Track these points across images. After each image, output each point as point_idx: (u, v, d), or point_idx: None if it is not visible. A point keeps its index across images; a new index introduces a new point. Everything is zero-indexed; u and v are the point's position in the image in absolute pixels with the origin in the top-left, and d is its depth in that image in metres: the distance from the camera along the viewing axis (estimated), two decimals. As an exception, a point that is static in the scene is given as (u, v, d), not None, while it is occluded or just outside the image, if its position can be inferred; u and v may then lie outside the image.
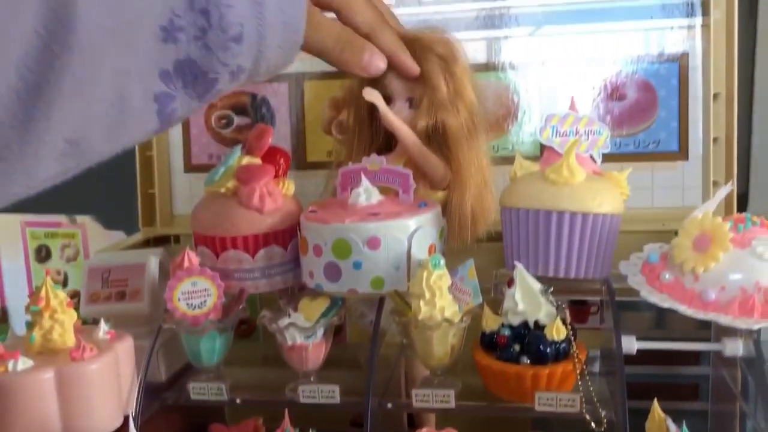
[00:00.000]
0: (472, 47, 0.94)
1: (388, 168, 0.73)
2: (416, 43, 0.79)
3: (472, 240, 0.79)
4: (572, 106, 0.72)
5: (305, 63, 0.99)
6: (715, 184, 0.89)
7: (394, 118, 0.76)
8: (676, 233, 0.86)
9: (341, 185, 0.76)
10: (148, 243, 0.98)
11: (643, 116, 0.92)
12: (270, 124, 1.01)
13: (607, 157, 0.91)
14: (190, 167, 1.03)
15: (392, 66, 0.53)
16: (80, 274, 1.00)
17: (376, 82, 0.80)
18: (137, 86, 0.36)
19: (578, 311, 0.90)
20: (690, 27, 0.90)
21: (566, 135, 0.70)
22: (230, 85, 0.39)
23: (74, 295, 0.99)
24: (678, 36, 0.90)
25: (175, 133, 1.03)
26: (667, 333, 0.90)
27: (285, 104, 1.01)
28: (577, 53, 0.93)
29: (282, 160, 0.75)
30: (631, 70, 0.92)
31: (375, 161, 0.74)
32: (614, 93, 0.92)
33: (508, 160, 0.93)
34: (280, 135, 1.01)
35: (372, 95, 0.75)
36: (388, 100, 0.80)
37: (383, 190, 0.73)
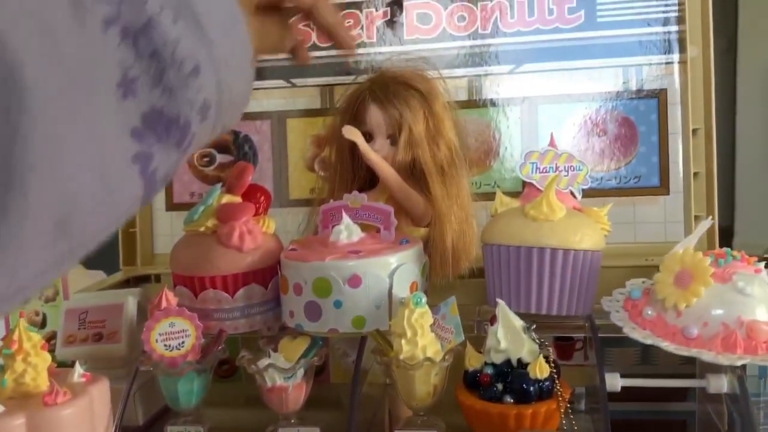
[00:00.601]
0: (453, 85, 0.95)
1: (369, 205, 0.73)
2: (396, 79, 0.80)
3: (454, 276, 0.79)
4: (551, 143, 0.72)
5: (288, 101, 1.00)
6: (697, 218, 0.89)
7: (374, 156, 0.76)
8: (659, 268, 0.87)
9: (322, 223, 0.75)
10: (128, 282, 0.96)
11: (624, 151, 0.92)
12: (252, 161, 1.01)
13: (589, 193, 0.92)
14: (171, 206, 1.03)
15: (332, 40, 0.52)
16: (59, 315, 0.99)
17: (357, 120, 0.81)
18: (113, 151, 0.34)
19: (563, 347, 0.89)
20: (668, 63, 0.91)
21: (546, 171, 0.70)
22: (202, 126, 0.38)
23: (52, 337, 0.98)
24: (656, 72, 0.92)
25: (157, 171, 1.03)
26: (653, 368, 0.89)
27: (267, 142, 1.01)
28: (558, 90, 0.93)
29: (262, 198, 0.75)
30: (611, 106, 0.92)
31: (356, 198, 0.73)
32: (595, 129, 0.93)
33: (491, 196, 0.93)
34: (262, 172, 1.00)
35: (351, 133, 0.75)
36: (369, 137, 0.80)
37: (364, 228, 0.73)
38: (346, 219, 0.71)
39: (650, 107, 0.92)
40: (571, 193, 0.70)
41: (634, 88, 0.92)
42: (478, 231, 0.78)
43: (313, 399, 0.71)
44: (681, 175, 0.91)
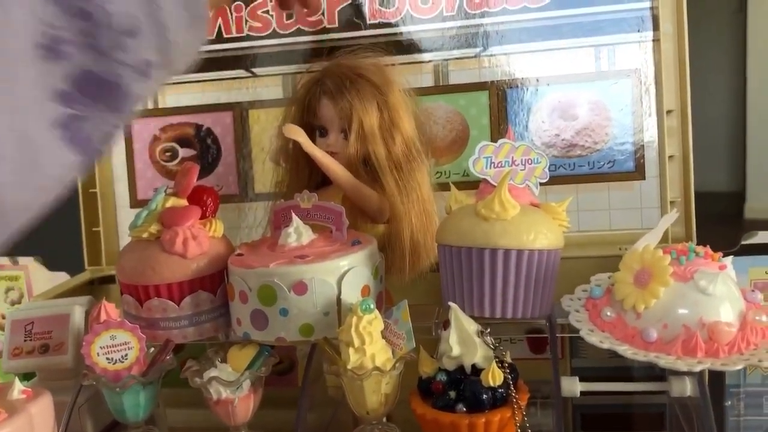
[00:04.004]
0: (418, 70, 0.92)
1: (321, 205, 0.69)
2: (350, 70, 0.76)
3: (413, 273, 0.76)
4: (508, 135, 0.69)
5: (250, 91, 0.96)
6: (672, 203, 0.85)
7: (320, 154, 0.73)
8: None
9: (274, 223, 0.72)
10: (92, 283, 0.94)
11: (597, 136, 0.89)
12: (215, 155, 0.98)
13: (560, 180, 0.89)
14: (136, 202, 1.00)
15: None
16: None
17: (310, 113, 0.78)
18: (30, 117, 0.32)
19: (536, 341, 0.86)
20: (641, 42, 0.87)
21: (501, 165, 0.66)
22: (144, 85, 0.35)
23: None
24: (629, 51, 0.87)
25: (120, 167, 1.00)
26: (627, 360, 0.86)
27: (230, 134, 0.97)
28: (526, 73, 0.89)
29: (209, 200, 0.72)
30: (582, 88, 0.88)
31: (307, 198, 0.70)
32: (566, 112, 0.89)
33: (461, 186, 0.90)
34: (226, 165, 0.98)
35: (292, 132, 0.72)
36: (324, 131, 0.77)
37: (318, 228, 0.70)
38: (295, 220, 0.68)
39: (623, 88, 0.88)
40: (529, 187, 0.67)
41: (606, 68, 0.88)
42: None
43: (278, 400, 0.69)
44: (657, 159, 0.87)
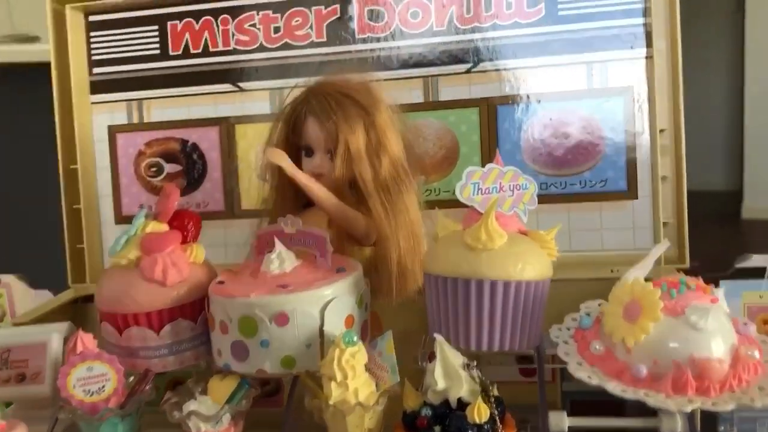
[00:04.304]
0: (408, 86, 0.90)
1: (305, 231, 0.68)
2: (336, 90, 0.74)
3: (400, 297, 0.74)
4: (496, 160, 0.67)
5: (236, 106, 0.95)
6: (665, 224, 0.84)
7: (303, 178, 0.72)
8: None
9: (257, 248, 0.71)
10: (76, 302, 0.92)
11: (589, 154, 0.87)
12: (201, 170, 0.96)
13: (551, 199, 0.87)
14: (120, 218, 0.98)
15: None
16: (7, 335, 0.95)
17: (296, 133, 0.76)
18: None
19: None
20: (634, 59, 0.85)
21: (489, 192, 0.65)
22: None
23: (2, 358, 0.94)
24: (622, 69, 0.86)
25: (104, 183, 0.98)
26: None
27: (216, 150, 0.96)
28: (517, 89, 0.88)
29: (190, 224, 0.70)
30: (574, 105, 0.87)
31: (291, 223, 0.69)
32: (557, 130, 0.87)
33: (451, 203, 0.89)
34: (212, 182, 0.96)
35: (275, 156, 0.70)
36: (310, 151, 0.76)
37: (302, 253, 0.68)
38: (278, 246, 0.67)
39: (616, 106, 0.86)
40: (518, 215, 0.65)
41: (598, 85, 0.86)
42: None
43: (266, 423, 0.67)
44: (650, 178, 0.85)
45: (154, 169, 0.97)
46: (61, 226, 0.96)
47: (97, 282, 0.70)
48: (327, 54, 0.92)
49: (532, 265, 0.60)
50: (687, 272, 0.81)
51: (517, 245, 0.61)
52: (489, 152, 0.89)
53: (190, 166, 0.96)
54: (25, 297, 0.95)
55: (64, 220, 0.96)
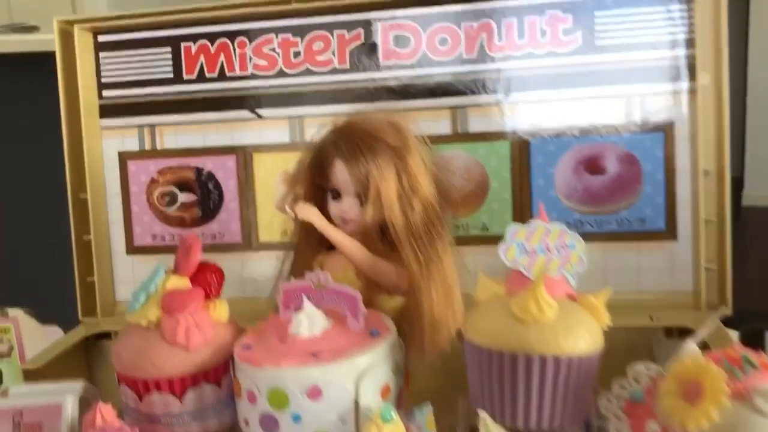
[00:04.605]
0: (435, 116, 0.86)
1: (335, 289, 0.64)
2: (365, 132, 0.70)
3: (433, 352, 0.70)
4: (541, 215, 0.63)
5: (254, 134, 0.90)
6: (707, 270, 0.80)
7: (333, 233, 0.68)
8: (666, 332, 0.78)
9: (283, 303, 0.67)
10: (87, 341, 0.89)
11: (626, 191, 0.83)
12: (217, 200, 0.92)
13: (587, 237, 0.82)
14: (132, 249, 0.94)
15: None
16: (16, 371, 0.92)
17: (323, 175, 0.72)
18: None
19: None
20: (676, 92, 0.81)
21: (535, 253, 0.60)
22: None
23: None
24: (663, 103, 0.81)
25: (115, 212, 0.94)
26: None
27: (233, 179, 0.91)
28: (551, 122, 0.83)
29: (213, 278, 0.66)
30: (612, 140, 0.82)
31: (321, 279, 0.64)
32: (594, 166, 0.83)
33: (479, 240, 0.85)
34: (229, 211, 0.92)
35: (306, 212, 0.66)
36: (337, 195, 0.71)
37: (331, 311, 0.64)
38: (307, 307, 0.63)
39: (656, 142, 0.82)
40: (565, 278, 0.61)
41: (637, 120, 0.82)
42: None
43: None
44: (690, 220, 0.81)
45: (167, 198, 0.93)
46: (71, 258, 0.92)
47: (114, 341, 0.66)
48: (349, 81, 0.87)
49: (584, 339, 0.57)
50: (729, 321, 0.77)
51: (569, 316, 0.57)
52: (521, 187, 0.85)
53: (206, 195, 0.92)
54: (34, 333, 0.91)
55: (73, 252, 0.92)
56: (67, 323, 0.92)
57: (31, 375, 0.79)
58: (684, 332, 0.78)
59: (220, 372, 0.64)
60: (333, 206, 0.72)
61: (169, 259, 0.92)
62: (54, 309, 0.90)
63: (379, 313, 0.68)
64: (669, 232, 0.82)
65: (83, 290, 0.93)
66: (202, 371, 0.62)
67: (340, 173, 0.70)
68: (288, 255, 0.77)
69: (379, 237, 0.71)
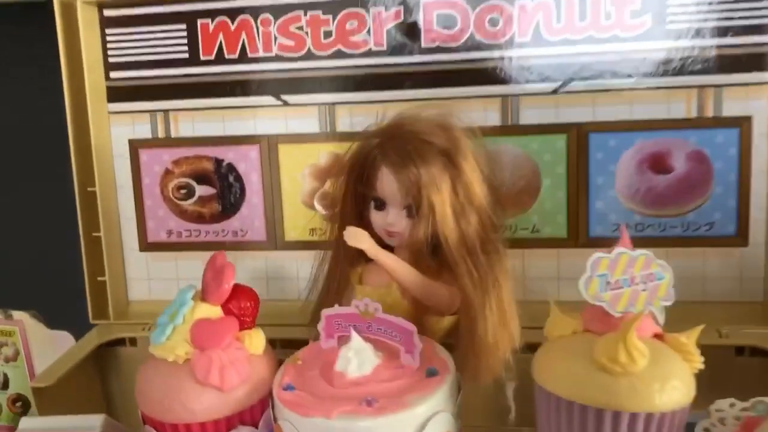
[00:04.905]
0: (481, 106, 0.77)
1: (386, 319, 0.56)
2: (414, 135, 0.62)
3: (487, 378, 0.63)
4: (623, 241, 0.55)
5: (279, 123, 0.81)
6: (783, 281, 0.73)
7: (385, 258, 0.61)
8: (737, 350, 0.72)
9: (326, 331, 0.59)
10: (100, 349, 0.82)
11: (695, 193, 0.75)
12: (239, 194, 0.84)
13: (648, 242, 0.76)
14: (146, 246, 0.87)
15: None
16: (23, 376, 0.85)
17: (366, 184, 0.64)
18: None
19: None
20: (755, 84, 0.72)
21: (619, 287, 0.53)
22: None
23: (17, 400, 0.85)
24: (740, 95, 0.73)
25: (127, 206, 0.86)
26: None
27: (256, 171, 0.83)
28: (614, 115, 0.75)
29: (249, 305, 0.59)
30: (680, 136, 0.74)
31: (369, 308, 0.57)
32: (659, 164, 0.75)
33: (528, 243, 0.78)
34: (251, 207, 0.84)
35: (356, 238, 0.58)
36: (381, 205, 0.64)
37: (379, 343, 0.57)
38: (356, 342, 0.56)
39: (730, 138, 0.74)
40: (653, 315, 0.54)
41: (710, 114, 0.73)
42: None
43: None
44: (765, 224, 0.74)
45: (183, 191, 0.85)
46: (80, 257, 0.84)
47: (138, 377, 0.58)
48: (386, 65, 0.78)
49: (678, 390, 0.50)
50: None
51: (661, 364, 0.50)
52: (577, 186, 0.77)
53: (226, 189, 0.84)
54: (41, 338, 0.83)
55: (82, 250, 0.84)
56: (77, 326, 0.85)
57: (41, 394, 0.72)
58: (756, 351, 0.71)
59: (257, 412, 0.57)
60: (377, 217, 0.64)
61: (186, 258, 0.86)
62: (62, 312, 0.82)
63: (432, 342, 0.61)
64: (740, 237, 0.75)
65: (93, 291, 0.85)
66: (237, 413, 0.56)
67: (387, 183, 0.62)
68: (323, 257, 0.70)
69: (430, 252, 0.63)
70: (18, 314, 0.84)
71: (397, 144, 0.61)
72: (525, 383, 0.60)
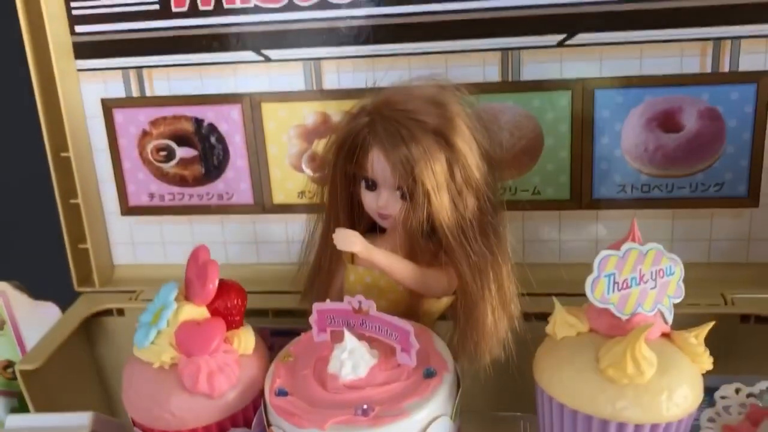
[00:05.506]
0: (480, 60, 0.71)
1: (381, 317, 0.54)
2: (407, 114, 0.57)
3: (485, 360, 0.61)
4: (632, 234, 0.51)
5: (262, 80, 0.76)
6: (793, 243, 0.70)
7: (379, 257, 0.57)
8: (742, 318, 0.70)
9: (318, 324, 0.57)
10: (87, 324, 0.79)
11: (705, 152, 0.71)
12: (222, 157, 0.79)
13: (654, 203, 0.73)
14: (127, 209, 0.83)
15: None
16: (11, 342, 0.84)
17: (356, 163, 0.59)
18: None
19: None
20: (774, 36, 0.67)
21: (627, 286, 0.50)
22: None
23: (8, 366, 0.84)
24: (757, 48, 0.67)
25: (104, 170, 0.81)
26: None
27: (239, 132, 0.78)
28: (622, 69, 0.70)
29: (237, 302, 0.56)
30: (692, 93, 0.69)
31: (363, 306, 0.54)
32: (669, 122, 0.71)
33: (529, 205, 0.74)
34: (236, 169, 0.79)
35: (346, 242, 0.55)
36: (373, 185, 0.59)
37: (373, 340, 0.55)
38: (349, 342, 0.53)
39: (746, 95, 0.69)
40: (661, 314, 0.51)
41: (725, 68, 0.68)
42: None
43: None
44: (778, 184, 0.70)
45: (163, 152, 0.80)
46: (59, 225, 0.80)
47: (125, 380, 0.56)
48: (374, 16, 0.72)
49: (685, 398, 0.48)
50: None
51: (669, 372, 0.48)
52: (581, 146, 0.72)
53: (208, 150, 0.79)
54: (26, 309, 0.81)
55: (61, 218, 0.80)
56: (62, 295, 0.82)
57: (29, 377, 0.70)
58: (761, 319, 0.69)
59: (249, 412, 0.55)
60: (368, 197, 0.60)
61: (172, 222, 0.82)
62: (46, 281, 0.79)
63: (428, 333, 0.58)
64: (751, 198, 0.71)
65: (76, 258, 0.82)
66: (229, 417, 0.54)
67: (378, 164, 0.58)
68: (319, 220, 0.66)
69: (426, 235, 0.60)
70: (0, 284, 0.82)
71: (388, 124, 0.56)
72: (525, 359, 0.58)
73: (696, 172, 0.72)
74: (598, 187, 0.73)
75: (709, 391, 0.54)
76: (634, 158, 0.72)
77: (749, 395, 0.56)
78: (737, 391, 0.56)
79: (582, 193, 0.74)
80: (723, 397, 0.56)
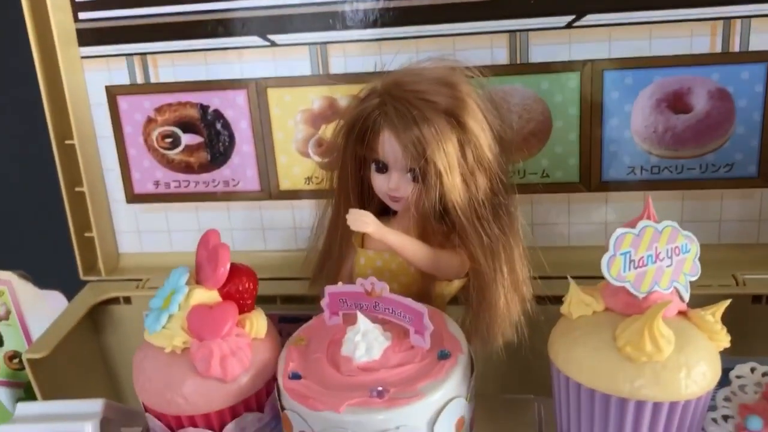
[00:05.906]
0: (488, 42, 0.71)
1: (393, 299, 0.53)
2: (417, 95, 0.56)
3: (498, 342, 0.61)
4: (647, 212, 0.51)
5: (267, 65, 0.75)
6: (804, 224, 0.70)
7: (395, 238, 0.57)
8: (754, 298, 0.70)
9: (330, 308, 0.56)
10: (93, 313, 0.79)
11: (715, 133, 0.71)
12: (228, 143, 0.79)
13: (663, 184, 0.73)
14: (132, 197, 0.82)
15: None
16: (17, 332, 0.83)
17: (367, 146, 0.59)
18: None
19: None
20: (786, 14, 0.66)
21: (643, 264, 0.49)
22: None
23: (14, 356, 0.83)
24: (766, 27, 0.67)
25: (109, 157, 0.81)
26: None
27: (245, 118, 0.77)
28: (632, 50, 0.69)
29: (248, 286, 0.55)
30: (702, 73, 0.69)
31: (375, 288, 0.54)
32: (679, 103, 0.70)
33: (538, 187, 0.74)
34: (242, 155, 0.79)
35: (359, 223, 0.54)
36: (384, 167, 0.59)
37: (388, 322, 0.55)
38: (362, 324, 0.53)
39: (756, 75, 0.68)
40: (678, 291, 0.51)
41: (735, 48, 0.68)
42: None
43: None
44: (789, 165, 0.70)
45: (169, 139, 0.79)
46: (64, 214, 0.80)
47: (135, 363, 0.56)
48: (383, -1, 0.71)
49: (704, 375, 0.47)
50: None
51: (687, 350, 0.47)
52: (590, 128, 0.72)
53: (213, 137, 0.79)
54: (32, 298, 0.81)
55: (66, 206, 0.80)
56: (68, 284, 0.82)
57: (36, 366, 0.70)
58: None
59: (262, 397, 0.55)
60: (378, 180, 0.60)
61: (178, 209, 0.81)
62: (51, 270, 0.79)
63: (441, 314, 0.58)
64: (762, 178, 0.71)
65: (81, 247, 0.81)
66: (242, 401, 0.53)
67: (389, 146, 0.57)
68: (329, 204, 0.65)
69: (438, 217, 0.59)
70: (5, 274, 0.81)
71: (399, 105, 0.56)
72: (538, 342, 0.58)
73: (706, 153, 0.71)
74: (607, 169, 0.73)
75: (724, 372, 0.54)
76: (643, 140, 0.71)
77: (764, 374, 0.56)
78: (752, 370, 0.56)
79: (591, 176, 0.73)
80: (738, 377, 0.55)
